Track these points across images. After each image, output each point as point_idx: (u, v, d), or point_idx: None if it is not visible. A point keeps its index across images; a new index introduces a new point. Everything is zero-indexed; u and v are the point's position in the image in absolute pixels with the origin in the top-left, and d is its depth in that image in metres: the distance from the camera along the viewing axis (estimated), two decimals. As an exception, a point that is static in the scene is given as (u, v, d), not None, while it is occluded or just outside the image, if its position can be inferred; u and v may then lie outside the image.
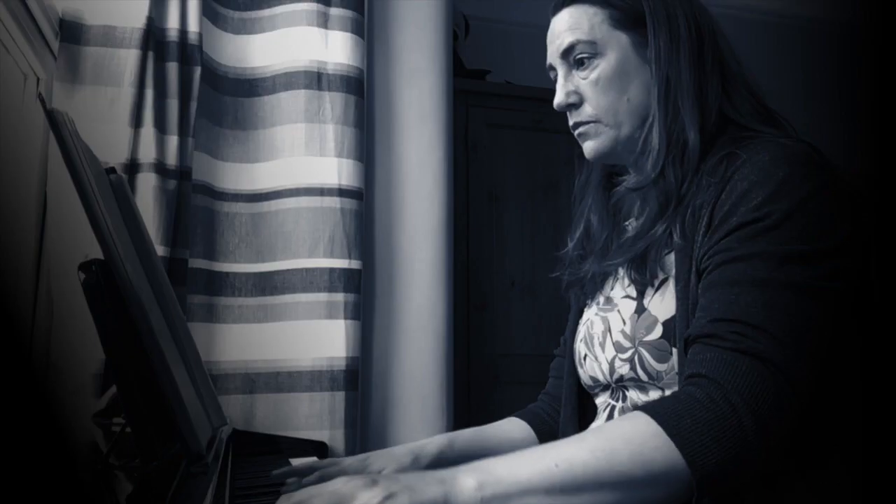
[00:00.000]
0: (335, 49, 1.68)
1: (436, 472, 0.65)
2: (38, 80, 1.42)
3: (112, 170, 0.93)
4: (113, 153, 1.38)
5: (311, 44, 1.66)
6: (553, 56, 0.96)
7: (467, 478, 0.63)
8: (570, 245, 1.04)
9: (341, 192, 1.63)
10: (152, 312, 0.70)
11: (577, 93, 0.93)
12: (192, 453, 0.71)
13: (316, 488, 0.62)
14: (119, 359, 0.64)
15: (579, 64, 0.93)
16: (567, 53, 0.93)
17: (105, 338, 0.63)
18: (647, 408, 0.70)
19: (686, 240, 0.83)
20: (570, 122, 0.96)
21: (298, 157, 1.63)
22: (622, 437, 0.67)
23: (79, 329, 1.26)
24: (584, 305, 1.03)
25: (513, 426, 1.13)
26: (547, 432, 1.09)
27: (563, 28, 0.93)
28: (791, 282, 0.73)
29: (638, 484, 0.65)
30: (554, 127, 1.71)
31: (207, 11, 1.60)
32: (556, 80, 0.97)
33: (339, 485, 0.62)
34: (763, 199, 0.76)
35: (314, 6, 1.67)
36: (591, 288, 1.00)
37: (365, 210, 1.71)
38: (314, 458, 1.02)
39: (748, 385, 0.68)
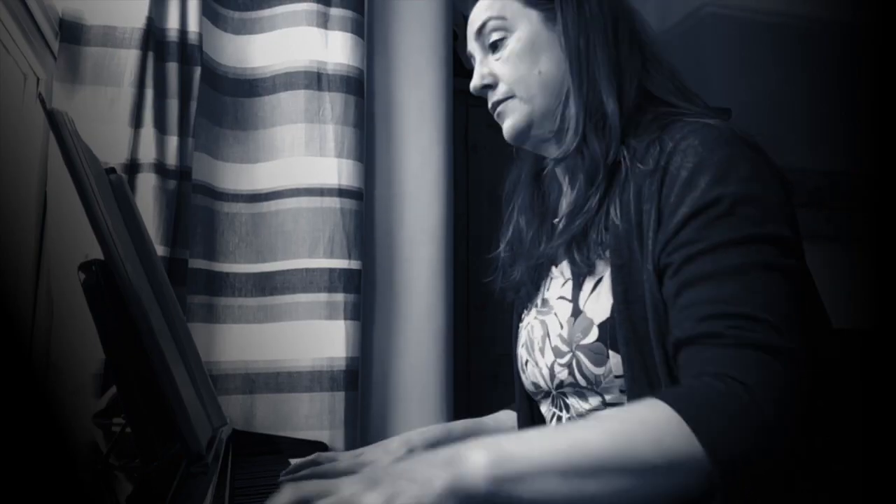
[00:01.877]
0: (335, 49, 1.68)
1: (441, 453, 0.61)
2: (38, 80, 1.42)
3: (112, 170, 0.93)
4: (113, 153, 1.38)
5: (311, 44, 1.66)
6: (469, 39, 0.97)
7: (477, 455, 0.59)
8: (501, 247, 1.04)
9: (341, 193, 1.63)
10: (152, 312, 0.70)
11: (491, 74, 0.95)
12: (192, 453, 0.71)
13: (315, 489, 0.57)
14: (119, 359, 0.64)
15: (493, 48, 0.94)
16: (479, 33, 0.95)
17: (105, 338, 0.64)
18: (665, 395, 0.67)
19: (625, 223, 0.81)
20: (489, 106, 0.97)
21: (298, 157, 1.63)
22: (641, 422, 0.65)
23: (79, 329, 1.26)
24: (523, 310, 1.02)
25: (508, 417, 1.13)
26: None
27: (479, 12, 0.95)
28: (763, 263, 0.72)
29: (656, 471, 0.62)
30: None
31: (207, 11, 1.60)
32: (474, 66, 0.98)
33: (341, 485, 0.57)
34: (707, 184, 0.75)
35: (314, 6, 1.67)
36: (525, 292, 0.99)
37: (365, 210, 1.71)
38: (315, 455, 1.02)
39: (762, 376, 0.66)
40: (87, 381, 1.25)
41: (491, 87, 0.95)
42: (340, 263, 1.61)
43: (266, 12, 1.69)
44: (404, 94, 1.82)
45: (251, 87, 1.67)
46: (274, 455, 1.41)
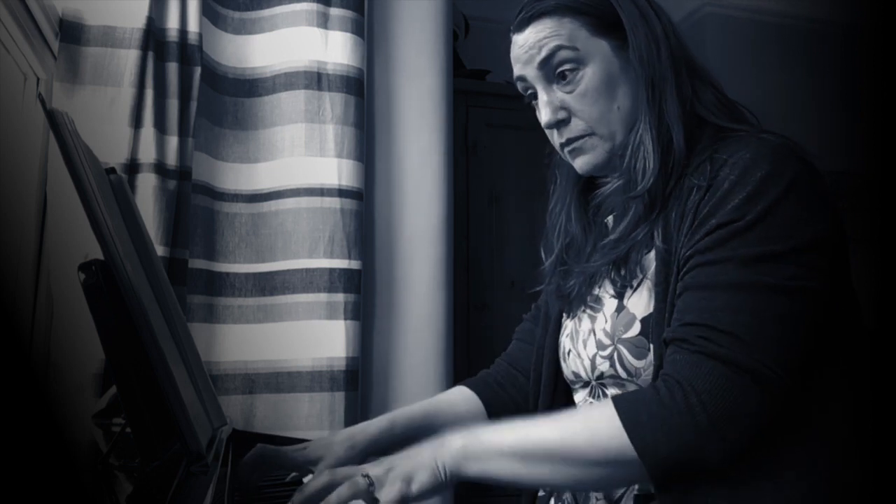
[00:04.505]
0: (335, 49, 1.68)
1: (431, 441, 0.79)
2: (38, 80, 1.42)
3: (112, 170, 0.93)
4: (113, 153, 1.38)
5: (311, 44, 1.66)
6: (527, 67, 0.91)
7: (456, 438, 0.78)
8: (550, 260, 1.02)
9: (341, 193, 1.63)
10: (152, 312, 0.70)
11: (564, 108, 0.90)
12: (192, 453, 0.71)
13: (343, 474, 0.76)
14: (119, 359, 0.64)
15: (561, 78, 0.89)
16: (546, 62, 0.89)
17: (105, 338, 0.63)
18: (616, 398, 0.76)
19: (668, 243, 0.82)
20: (560, 140, 0.92)
21: (298, 157, 1.63)
22: (584, 421, 0.78)
23: (79, 329, 1.25)
24: (573, 310, 1.00)
25: (459, 398, 1.10)
26: (497, 402, 1.08)
27: (538, 37, 0.89)
28: (761, 283, 0.74)
29: (592, 463, 0.75)
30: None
31: (207, 11, 1.60)
32: (524, 91, 0.94)
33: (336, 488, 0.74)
34: (741, 200, 0.76)
35: (314, 6, 1.67)
36: (578, 296, 0.97)
37: (365, 210, 1.71)
38: (259, 445, 1.00)
39: (708, 386, 0.71)
40: (87, 381, 1.25)
41: (564, 121, 0.91)
42: (340, 263, 1.61)
43: (266, 12, 1.69)
44: (404, 94, 1.81)
45: (251, 87, 1.67)
46: (274, 455, 1.40)
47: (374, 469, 0.77)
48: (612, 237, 0.90)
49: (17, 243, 1.34)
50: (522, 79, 0.93)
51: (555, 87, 0.90)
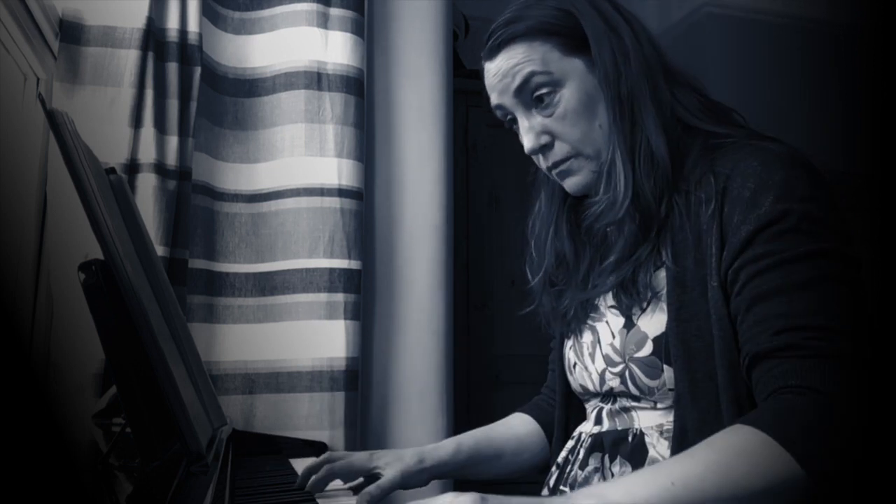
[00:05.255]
0: (335, 49, 1.68)
1: (551, 499, 0.68)
2: (38, 80, 1.42)
3: (112, 170, 0.93)
4: (113, 153, 1.38)
5: (311, 44, 1.66)
6: (503, 96, 0.90)
7: (583, 500, 0.64)
8: (537, 279, 1.01)
9: (341, 193, 1.63)
10: (152, 312, 0.70)
11: (546, 133, 0.89)
12: (192, 453, 0.71)
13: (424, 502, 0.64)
14: (119, 359, 0.64)
15: (538, 102, 0.88)
16: (521, 89, 0.88)
17: (105, 338, 0.63)
18: (749, 420, 0.69)
19: (679, 262, 0.82)
20: (547, 164, 0.91)
21: (298, 157, 1.63)
22: (735, 449, 0.67)
23: (79, 329, 1.25)
24: (570, 333, 1.00)
25: (518, 422, 1.13)
26: (550, 422, 1.09)
27: (511, 64, 0.87)
28: (832, 276, 0.74)
29: (757, 495, 0.65)
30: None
31: (207, 11, 1.60)
32: (503, 118, 0.93)
33: (447, 501, 0.63)
34: (771, 202, 0.76)
35: (314, 6, 1.67)
36: (576, 320, 0.96)
37: (365, 210, 1.71)
38: (328, 454, 1.02)
39: (841, 385, 0.69)
40: (87, 381, 1.25)
41: (548, 146, 0.90)
42: (340, 263, 1.61)
43: (266, 12, 1.69)
44: (404, 94, 1.82)
45: (251, 87, 1.67)
46: (274, 455, 1.41)
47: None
48: (611, 258, 0.88)
49: (17, 243, 1.34)
50: (500, 107, 0.92)
51: (534, 111, 0.89)
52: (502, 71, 0.89)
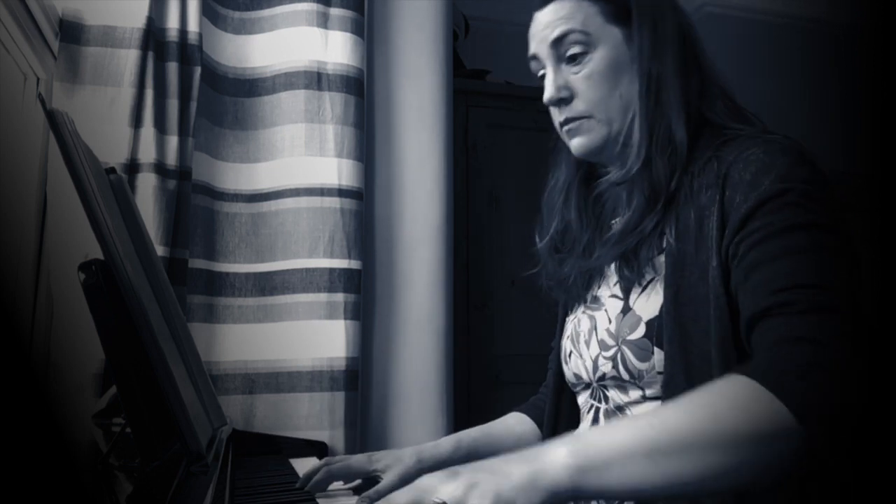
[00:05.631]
0: (335, 49, 1.68)
1: (520, 453, 0.63)
2: (38, 80, 1.42)
3: (112, 170, 0.93)
4: (113, 153, 1.38)
5: (311, 44, 1.66)
6: (540, 46, 0.94)
7: (557, 448, 0.61)
8: (543, 242, 1.03)
9: (341, 193, 1.63)
10: (152, 312, 0.70)
11: (567, 87, 0.92)
12: (192, 453, 0.71)
13: (399, 491, 0.62)
14: (119, 359, 0.64)
15: (570, 59, 0.92)
16: (558, 43, 0.91)
17: (105, 338, 0.64)
18: (741, 368, 0.67)
19: (681, 242, 0.83)
20: (560, 118, 0.95)
21: (298, 157, 1.63)
22: (722, 396, 0.64)
23: (79, 329, 1.26)
24: (571, 307, 1.02)
25: (515, 420, 1.14)
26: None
27: (554, 17, 0.92)
28: (830, 247, 0.74)
29: (745, 442, 0.62)
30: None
31: (207, 11, 1.60)
32: (536, 71, 0.96)
33: (421, 482, 0.61)
34: (771, 181, 0.77)
35: (314, 6, 1.67)
36: (575, 289, 0.99)
37: (365, 210, 1.71)
38: (326, 459, 1.04)
39: (834, 335, 0.68)
40: (87, 381, 1.25)
41: (565, 100, 0.93)
42: (340, 263, 1.61)
43: (266, 12, 1.69)
44: (404, 94, 1.82)
45: (251, 87, 1.67)
46: (274, 455, 1.41)
47: (429, 479, 0.61)
48: (616, 229, 0.91)
49: (17, 243, 1.34)
50: (535, 57, 0.96)
51: (563, 66, 0.93)
52: (545, 21, 0.93)
